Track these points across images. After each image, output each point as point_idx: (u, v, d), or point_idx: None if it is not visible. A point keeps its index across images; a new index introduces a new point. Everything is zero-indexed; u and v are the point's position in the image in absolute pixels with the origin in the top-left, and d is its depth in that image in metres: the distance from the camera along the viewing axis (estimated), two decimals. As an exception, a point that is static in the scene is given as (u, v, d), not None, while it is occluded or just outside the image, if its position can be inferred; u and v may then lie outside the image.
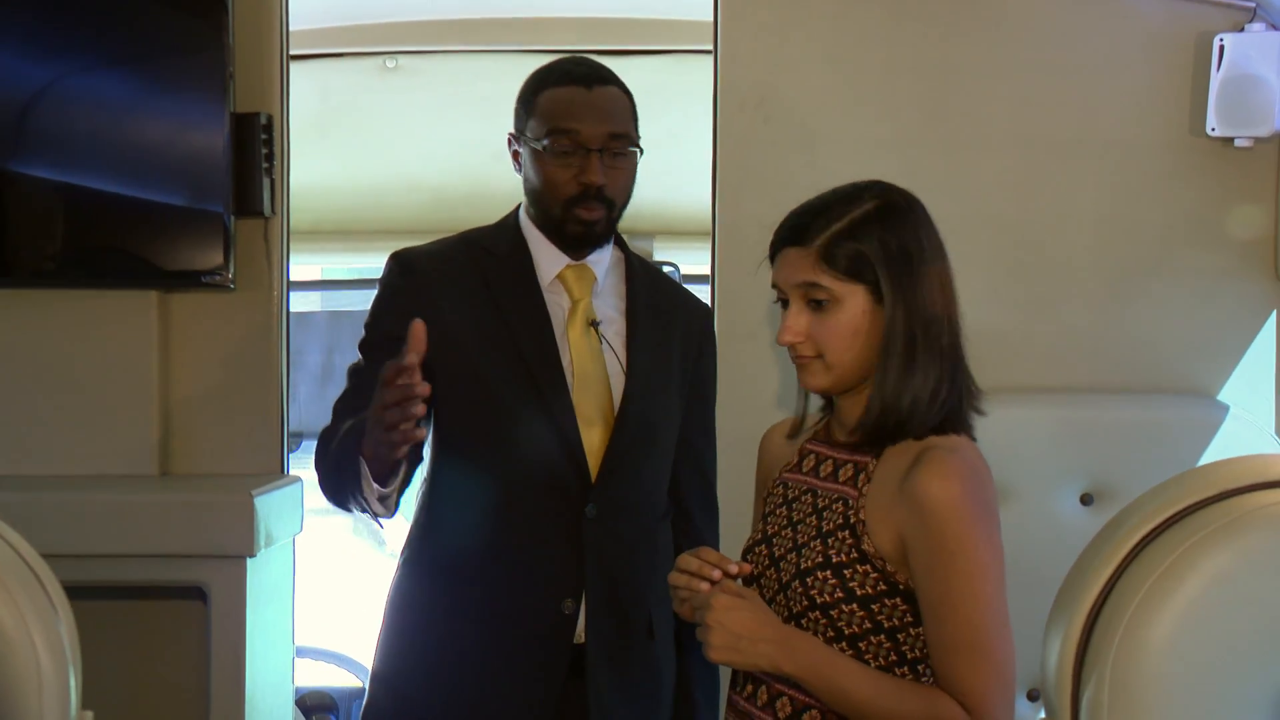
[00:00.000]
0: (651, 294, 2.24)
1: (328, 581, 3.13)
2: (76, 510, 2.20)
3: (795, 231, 1.77)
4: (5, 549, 1.28)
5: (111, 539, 2.16)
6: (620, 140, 2.12)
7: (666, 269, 3.74)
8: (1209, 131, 2.50)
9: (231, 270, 2.41)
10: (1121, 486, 2.47)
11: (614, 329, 2.21)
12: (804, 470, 1.86)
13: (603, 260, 2.19)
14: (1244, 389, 2.63)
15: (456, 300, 2.14)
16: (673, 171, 2.48)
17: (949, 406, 1.76)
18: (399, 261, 2.21)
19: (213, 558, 2.31)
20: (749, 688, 1.83)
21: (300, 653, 2.79)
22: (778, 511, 1.86)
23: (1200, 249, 2.62)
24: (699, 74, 2.61)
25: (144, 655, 2.37)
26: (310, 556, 2.86)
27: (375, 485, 1.89)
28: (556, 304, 2.16)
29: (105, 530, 2.19)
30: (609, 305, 2.21)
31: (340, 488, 1.99)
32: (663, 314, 2.24)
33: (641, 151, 2.15)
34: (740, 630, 1.71)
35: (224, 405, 2.50)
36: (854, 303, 1.75)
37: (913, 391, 1.75)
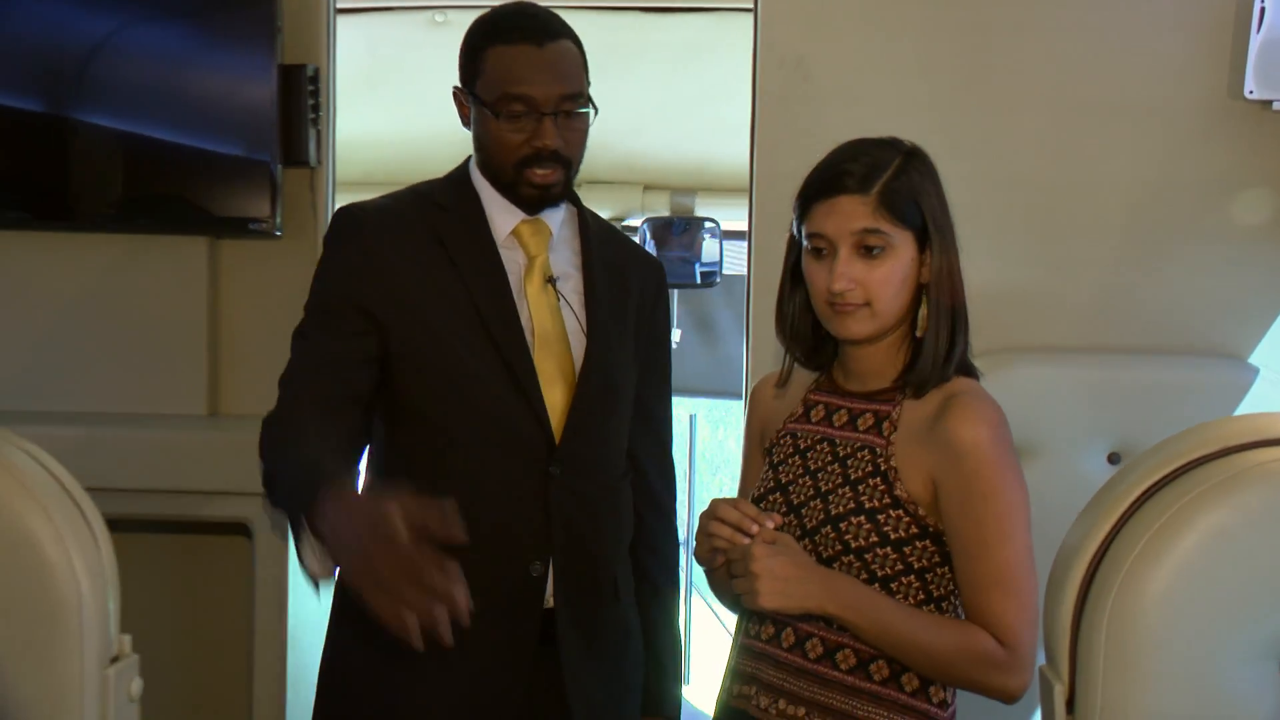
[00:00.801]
0: (605, 249, 2.22)
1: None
2: (129, 447, 2.29)
3: (850, 178, 1.79)
4: (48, 479, 1.35)
5: (162, 475, 2.25)
6: (573, 100, 2.07)
7: (707, 225, 3.80)
8: (1247, 94, 2.48)
9: (278, 218, 2.48)
10: (1149, 446, 2.51)
11: (571, 285, 2.17)
12: (813, 420, 1.89)
13: (557, 215, 2.17)
14: (1275, 351, 2.62)
15: (410, 257, 2.11)
16: (713, 129, 2.54)
17: (963, 354, 1.83)
18: (348, 217, 2.15)
19: (258, 495, 2.25)
20: (769, 629, 1.86)
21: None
22: (790, 460, 1.89)
23: (1235, 212, 2.60)
24: (739, 32, 2.61)
25: (191, 589, 2.47)
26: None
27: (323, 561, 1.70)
28: (512, 260, 2.12)
29: (156, 467, 2.28)
30: (565, 260, 2.18)
31: (288, 516, 1.82)
32: (617, 270, 2.22)
33: (596, 110, 2.11)
34: (787, 575, 1.75)
35: (270, 349, 2.44)
36: (905, 250, 1.79)
37: (950, 333, 1.81)
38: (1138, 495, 1.32)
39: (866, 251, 1.79)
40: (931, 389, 1.84)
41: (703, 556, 1.84)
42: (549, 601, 2.03)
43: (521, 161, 2.01)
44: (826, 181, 1.81)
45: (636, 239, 3.60)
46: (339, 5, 2.56)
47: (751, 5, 2.66)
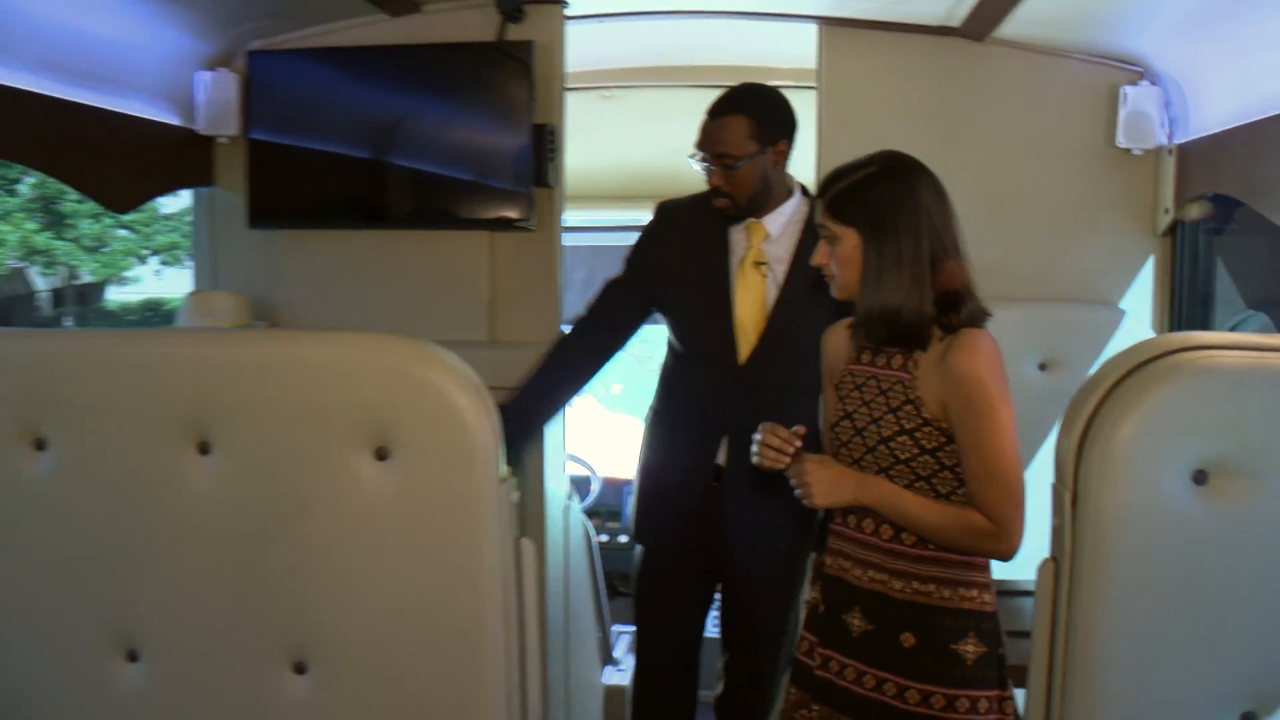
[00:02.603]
0: (813, 240, 2.29)
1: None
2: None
3: (819, 189, 2.09)
4: (463, 370, 1.59)
5: None
6: (725, 159, 2.59)
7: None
8: (1118, 144, 3.27)
9: (532, 219, 3.16)
10: (1064, 359, 3.22)
11: (780, 269, 2.63)
12: (863, 362, 2.12)
13: (781, 216, 2.64)
14: (1132, 300, 3.34)
15: (677, 238, 2.72)
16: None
17: (918, 316, 1.99)
18: (658, 208, 2.79)
19: None
20: (852, 520, 2.13)
21: None
22: (852, 395, 2.11)
23: (1111, 217, 3.34)
24: (805, 104, 2.92)
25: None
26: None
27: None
28: (739, 246, 2.66)
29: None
30: (782, 249, 2.65)
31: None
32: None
33: (757, 155, 2.54)
34: (830, 480, 2.07)
35: (526, 300, 3.25)
36: (849, 240, 2.03)
37: (881, 301, 2.01)
38: (1113, 381, 1.61)
39: (830, 240, 2.07)
40: (898, 341, 2.04)
41: (761, 466, 2.15)
42: (721, 459, 2.66)
43: (711, 192, 2.66)
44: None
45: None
46: (565, 85, 3.22)
47: (816, 83, 3.40)
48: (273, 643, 1.63)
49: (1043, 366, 3.24)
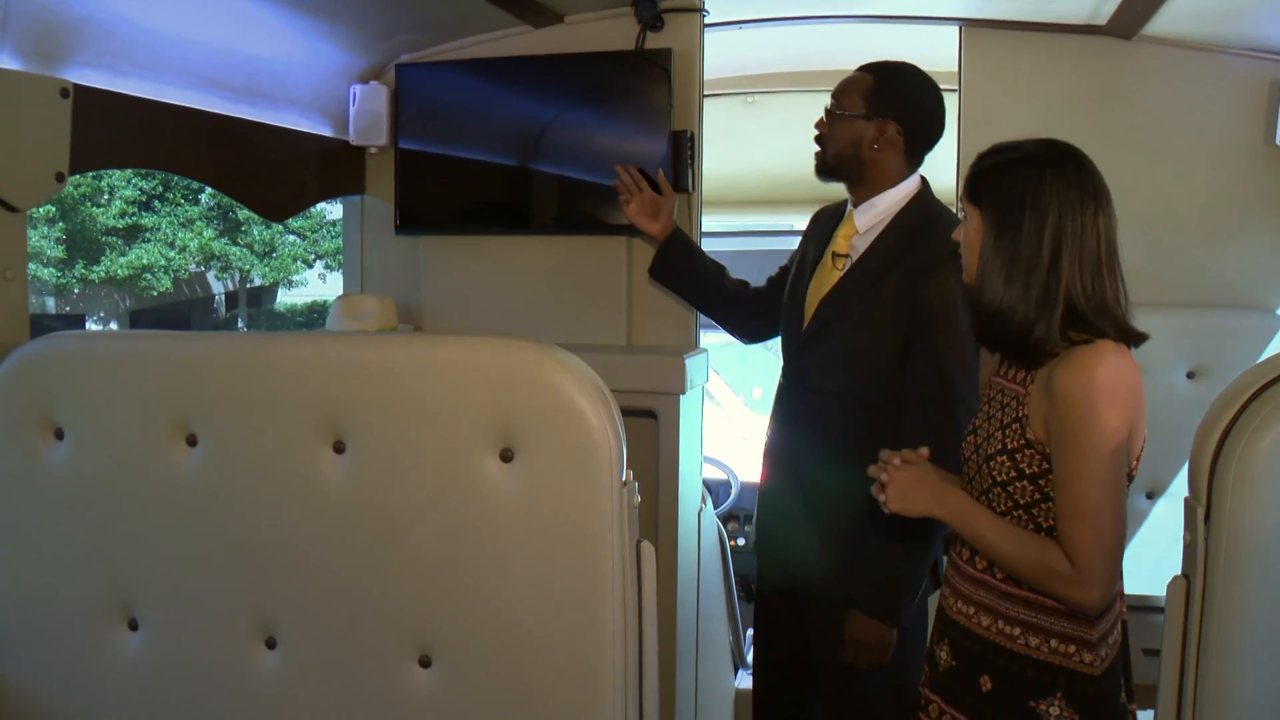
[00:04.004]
0: (894, 238, 2.54)
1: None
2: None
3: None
4: (587, 374, 1.63)
5: (605, 379, 2.70)
6: (833, 104, 2.62)
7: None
8: (1277, 141, 3.15)
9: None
10: (1214, 368, 3.13)
11: (853, 262, 2.60)
12: (1000, 373, 2.01)
13: (874, 208, 2.60)
14: None
15: (815, 239, 2.76)
16: (928, 173, 2.75)
17: (1026, 327, 1.83)
18: (814, 215, 2.85)
19: (661, 393, 2.96)
20: (966, 553, 2.01)
21: None
22: (984, 408, 2.00)
23: (1267, 218, 3.22)
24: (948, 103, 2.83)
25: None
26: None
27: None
28: (835, 238, 2.66)
29: (601, 373, 2.71)
30: (862, 243, 2.61)
31: None
32: (895, 254, 2.53)
33: (860, 118, 2.51)
34: (906, 485, 1.94)
35: (662, 305, 3.25)
36: (973, 222, 1.93)
37: (988, 301, 1.87)
38: (1253, 392, 1.57)
39: (964, 218, 1.97)
40: (1006, 346, 1.92)
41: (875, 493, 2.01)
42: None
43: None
44: None
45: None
46: (704, 93, 3.21)
47: (956, 86, 3.32)
48: (400, 635, 1.69)
49: (1191, 375, 3.17)
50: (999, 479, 1.87)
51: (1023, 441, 1.85)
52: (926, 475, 1.94)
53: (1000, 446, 1.88)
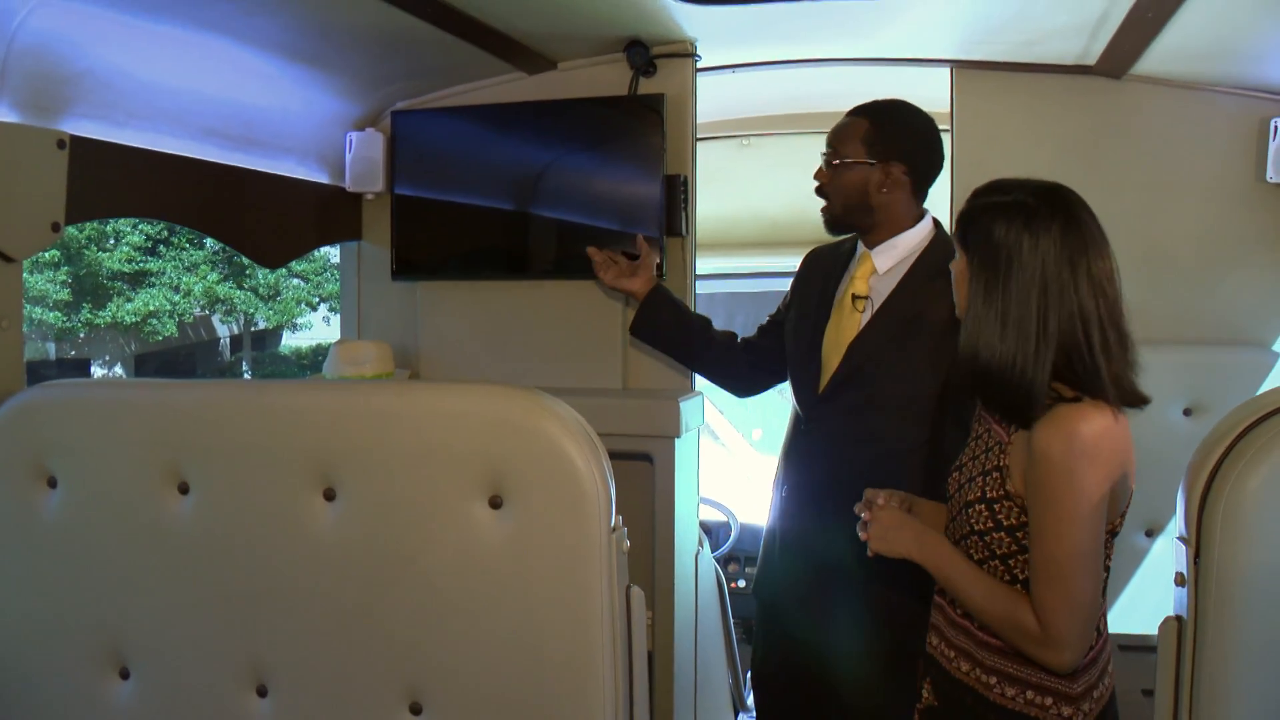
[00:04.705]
0: (919, 284, 2.50)
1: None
2: (578, 407, 2.64)
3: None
4: (575, 421, 1.63)
5: (598, 424, 2.62)
6: (831, 154, 2.58)
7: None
8: (1268, 179, 3.12)
9: (664, 267, 3.16)
10: (1211, 404, 3.09)
11: (878, 303, 2.56)
12: (988, 411, 1.96)
13: (893, 249, 2.57)
14: None
15: (816, 277, 2.72)
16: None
17: (1011, 385, 1.78)
18: (806, 255, 2.83)
19: (655, 437, 2.93)
20: (948, 595, 2.00)
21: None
22: (972, 443, 1.97)
23: (1261, 254, 3.19)
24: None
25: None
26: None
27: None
28: (850, 279, 2.62)
29: (594, 417, 2.63)
30: (884, 286, 2.57)
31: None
32: (921, 299, 2.48)
33: (864, 164, 2.47)
34: (888, 525, 1.97)
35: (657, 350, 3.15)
36: (960, 263, 1.91)
37: (973, 349, 1.82)
38: (1240, 431, 1.54)
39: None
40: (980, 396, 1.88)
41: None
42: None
43: (817, 191, 2.62)
44: None
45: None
46: (698, 136, 3.24)
47: (949, 126, 3.30)
48: (390, 682, 1.69)
49: (1188, 411, 3.12)
50: (976, 527, 1.85)
51: (1001, 492, 1.83)
52: (904, 518, 1.95)
53: (979, 494, 1.85)
